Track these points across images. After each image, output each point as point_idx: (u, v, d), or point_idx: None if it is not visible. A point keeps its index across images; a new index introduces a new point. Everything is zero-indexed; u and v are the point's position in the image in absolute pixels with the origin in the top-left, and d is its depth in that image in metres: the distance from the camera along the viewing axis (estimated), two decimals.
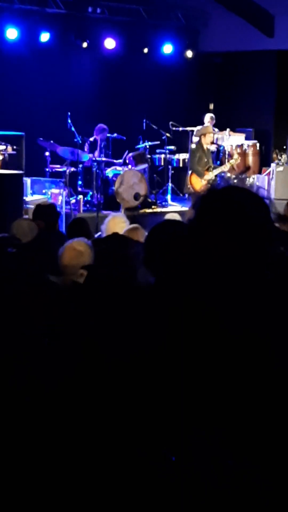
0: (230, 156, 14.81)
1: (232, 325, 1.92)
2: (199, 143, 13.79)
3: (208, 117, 15.74)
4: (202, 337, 1.92)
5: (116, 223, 7.60)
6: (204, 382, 1.89)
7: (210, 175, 13.61)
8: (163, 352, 1.94)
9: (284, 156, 14.77)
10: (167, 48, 16.59)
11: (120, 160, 14.50)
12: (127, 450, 1.95)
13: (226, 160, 14.45)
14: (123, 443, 1.96)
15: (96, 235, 8.78)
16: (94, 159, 13.92)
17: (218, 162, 14.72)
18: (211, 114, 15.91)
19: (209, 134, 13.82)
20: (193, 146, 14.29)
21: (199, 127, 14.86)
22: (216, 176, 13.67)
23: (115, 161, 14.49)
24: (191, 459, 1.88)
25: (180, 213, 12.25)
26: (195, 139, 14.58)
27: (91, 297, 4.21)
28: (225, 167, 13.99)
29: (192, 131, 15.29)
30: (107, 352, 2.11)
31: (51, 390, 2.31)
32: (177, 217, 7.88)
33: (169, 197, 15.33)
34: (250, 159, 15.86)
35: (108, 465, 1.98)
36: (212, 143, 15.28)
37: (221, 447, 1.87)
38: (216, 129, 15.99)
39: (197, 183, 13.58)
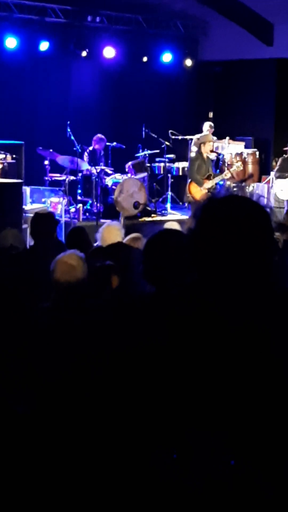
0: (230, 164, 14.79)
1: (234, 332, 1.93)
2: (198, 152, 13.78)
3: (207, 126, 15.74)
4: (204, 343, 1.92)
5: (111, 231, 7.58)
6: (206, 385, 1.90)
7: (210, 184, 13.59)
8: (164, 358, 1.94)
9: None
10: (167, 57, 16.61)
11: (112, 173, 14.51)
12: (127, 450, 1.95)
13: (226, 168, 14.43)
14: (123, 443, 1.96)
15: (95, 244, 8.76)
16: (95, 169, 13.91)
17: (218, 170, 14.70)
18: (210, 123, 15.92)
19: (209, 143, 13.81)
20: (193, 154, 14.28)
21: (198, 136, 14.86)
22: (216, 184, 13.66)
23: (108, 170, 14.50)
24: (192, 459, 1.88)
25: (180, 221, 12.26)
26: (193, 148, 14.58)
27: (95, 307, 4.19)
28: (226, 175, 13.98)
29: (192, 139, 15.29)
30: (106, 357, 2.13)
31: (50, 396, 2.31)
32: (176, 226, 7.85)
33: (168, 205, 15.32)
34: (250, 168, 15.86)
35: (108, 465, 1.98)
36: (212, 151, 15.28)
37: (222, 446, 1.88)
38: (215, 138, 16.00)
39: (196, 191, 13.56)
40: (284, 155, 14.75)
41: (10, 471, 2.22)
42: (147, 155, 15.09)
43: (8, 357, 2.73)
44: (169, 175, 15.63)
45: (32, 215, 8.66)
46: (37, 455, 2.16)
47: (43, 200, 13.55)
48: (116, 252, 6.75)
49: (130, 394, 1.98)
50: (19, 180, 12.78)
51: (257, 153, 16.07)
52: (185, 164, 15.38)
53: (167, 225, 7.51)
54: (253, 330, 1.94)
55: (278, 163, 14.49)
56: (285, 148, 14.97)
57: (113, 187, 13.94)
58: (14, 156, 13.35)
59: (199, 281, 1.95)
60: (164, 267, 2.97)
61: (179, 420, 1.90)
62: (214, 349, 1.91)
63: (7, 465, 2.25)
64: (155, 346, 1.98)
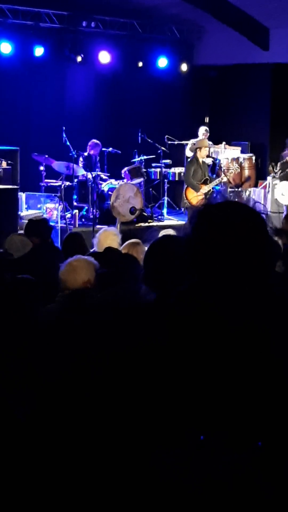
0: (226, 169, 14.78)
1: (234, 332, 1.94)
2: (194, 157, 13.78)
3: (202, 130, 15.75)
4: (204, 343, 1.93)
5: (107, 237, 7.57)
6: (206, 384, 1.91)
7: (207, 188, 13.58)
8: (164, 358, 1.95)
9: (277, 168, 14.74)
10: (162, 62, 16.60)
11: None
12: (128, 450, 1.95)
13: (223, 173, 14.42)
14: (124, 443, 1.96)
15: (92, 250, 8.72)
16: (91, 175, 13.88)
17: (214, 175, 14.69)
18: (205, 127, 15.91)
19: (204, 148, 13.80)
20: (188, 159, 14.28)
21: (193, 141, 14.85)
22: (212, 188, 13.64)
23: (103, 175, 14.47)
24: (192, 459, 1.88)
25: (176, 227, 12.22)
26: (188, 152, 14.57)
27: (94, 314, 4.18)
28: (222, 179, 13.97)
29: (187, 144, 15.28)
30: (107, 357, 2.13)
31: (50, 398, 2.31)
32: (171, 232, 7.83)
33: (165, 211, 15.29)
34: (247, 173, 15.85)
35: (109, 465, 1.98)
36: (208, 156, 15.27)
37: (222, 446, 1.88)
38: (211, 142, 15.99)
39: (193, 197, 13.55)
40: (282, 160, 14.73)
41: (10, 470, 2.23)
42: (143, 160, 15.06)
43: (8, 357, 2.72)
44: (166, 180, 15.62)
45: (26, 221, 8.66)
46: (37, 455, 2.17)
47: (38, 206, 13.54)
48: (109, 257, 6.72)
49: (131, 394, 1.98)
50: (15, 186, 12.77)
51: (254, 158, 16.06)
52: (181, 169, 15.38)
53: (163, 232, 7.49)
54: (253, 330, 1.96)
55: (278, 168, 14.46)
56: (283, 153, 14.96)
57: (109, 192, 13.92)
58: (9, 162, 13.33)
59: (198, 283, 1.96)
60: (165, 273, 2.98)
61: (179, 420, 1.90)
62: (215, 349, 1.92)
63: (7, 465, 2.26)
64: (155, 347, 1.99)
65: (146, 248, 7.43)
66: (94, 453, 2.01)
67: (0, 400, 2.43)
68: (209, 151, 15.09)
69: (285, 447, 1.89)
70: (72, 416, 2.09)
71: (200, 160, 13.73)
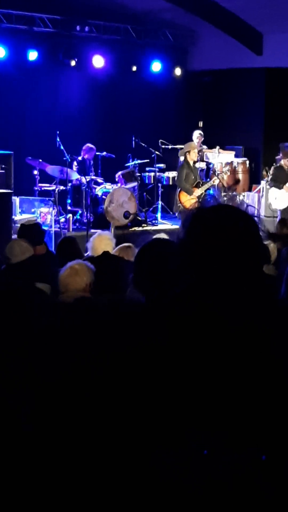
0: (220, 173, 14.81)
1: (234, 332, 1.95)
2: (185, 161, 13.81)
3: (196, 134, 15.78)
4: (204, 343, 1.94)
5: (102, 241, 7.57)
6: (206, 384, 1.91)
7: (199, 191, 13.60)
8: (164, 358, 1.96)
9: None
10: (156, 66, 16.62)
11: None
12: (128, 450, 1.96)
13: (216, 176, 14.46)
14: (124, 443, 1.97)
15: (85, 254, 8.72)
16: (85, 179, 13.88)
17: (208, 179, 14.71)
18: (199, 131, 15.93)
19: (193, 150, 13.82)
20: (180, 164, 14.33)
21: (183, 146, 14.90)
22: (205, 191, 13.66)
23: (97, 180, 14.48)
24: (192, 459, 1.88)
25: (170, 231, 12.23)
26: (181, 158, 14.59)
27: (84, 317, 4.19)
28: (214, 181, 14.00)
29: (182, 149, 15.31)
30: (106, 357, 2.14)
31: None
32: (165, 237, 7.84)
33: (159, 215, 15.30)
34: (240, 177, 15.87)
35: (109, 465, 1.98)
36: (202, 160, 15.29)
37: (222, 446, 1.88)
38: (205, 146, 16.01)
39: (186, 200, 13.58)
40: (275, 164, 14.74)
41: (10, 471, 2.24)
42: (137, 164, 15.07)
43: (9, 357, 2.74)
44: (159, 184, 15.63)
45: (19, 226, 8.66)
46: (37, 455, 2.17)
47: (32, 210, 13.51)
48: (103, 262, 6.72)
49: (131, 394, 1.98)
50: (9, 190, 12.75)
51: (247, 162, 16.08)
52: (175, 173, 15.39)
53: (155, 236, 7.50)
54: (252, 330, 1.97)
55: (271, 172, 14.47)
56: (277, 157, 14.97)
57: (103, 197, 13.91)
58: (3, 166, 13.32)
59: (195, 284, 1.97)
60: (156, 276, 2.99)
61: (179, 420, 1.90)
62: (215, 348, 1.93)
63: (7, 465, 2.27)
64: (155, 347, 1.99)
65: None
66: (94, 453, 2.01)
67: (0, 400, 2.44)
68: (203, 155, 15.12)
69: (285, 447, 1.90)
70: (72, 416, 2.09)
71: (191, 163, 13.75)
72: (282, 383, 1.93)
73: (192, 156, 13.75)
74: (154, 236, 7.84)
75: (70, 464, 2.05)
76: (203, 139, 15.86)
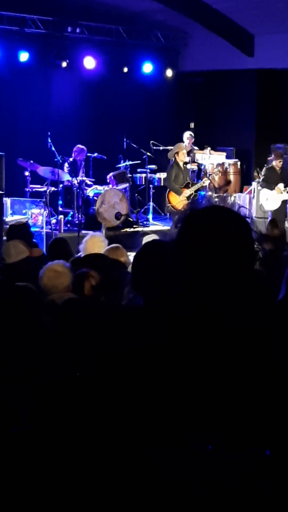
0: (211, 175, 14.82)
1: (234, 335, 1.96)
2: (174, 162, 13.82)
3: (187, 135, 15.81)
4: (205, 342, 1.95)
5: (95, 243, 7.57)
6: (206, 384, 1.92)
7: (189, 192, 13.60)
8: (165, 358, 1.97)
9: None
10: (147, 68, 16.62)
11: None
12: (128, 450, 1.96)
13: (206, 177, 14.47)
14: (124, 443, 1.97)
15: (77, 255, 8.71)
16: (76, 180, 13.86)
17: (200, 181, 14.73)
18: (190, 132, 15.94)
19: (182, 151, 13.83)
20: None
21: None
22: (196, 192, 13.67)
23: (88, 181, 14.47)
24: (192, 459, 1.88)
25: (162, 232, 12.23)
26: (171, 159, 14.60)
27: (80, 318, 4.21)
28: (205, 182, 14.01)
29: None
30: (106, 357, 2.15)
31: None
32: (155, 237, 7.84)
33: (150, 216, 15.31)
34: (231, 178, 15.89)
35: (108, 465, 1.98)
36: (193, 162, 15.30)
37: (222, 446, 1.89)
38: (196, 148, 16.02)
39: (176, 201, 13.58)
40: (266, 165, 14.77)
41: (10, 471, 2.24)
42: (128, 165, 15.07)
43: (9, 358, 2.74)
44: (151, 185, 15.63)
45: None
46: (37, 455, 2.17)
47: (24, 211, 13.50)
48: (94, 262, 6.72)
49: (131, 394, 1.98)
50: (0, 192, 12.71)
51: (239, 163, 16.10)
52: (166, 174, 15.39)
53: (146, 238, 7.49)
54: (252, 330, 1.98)
55: (262, 173, 14.50)
56: (269, 158, 14.99)
57: (95, 198, 13.91)
58: None
59: (193, 284, 1.97)
60: (155, 277, 3.01)
61: (179, 420, 1.90)
62: (215, 348, 1.94)
63: (7, 466, 2.27)
64: (155, 347, 1.99)
65: (127, 252, 7.46)
66: (94, 453, 2.01)
67: (0, 400, 2.43)
68: (194, 156, 15.13)
69: (285, 446, 1.90)
70: (72, 416, 2.09)
71: (181, 164, 13.76)
72: (282, 382, 1.93)
73: (181, 157, 13.76)
74: (145, 238, 7.85)
75: (70, 464, 2.05)
76: (193, 140, 15.86)
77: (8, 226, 11.26)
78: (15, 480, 2.21)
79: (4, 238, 10.73)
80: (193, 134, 15.91)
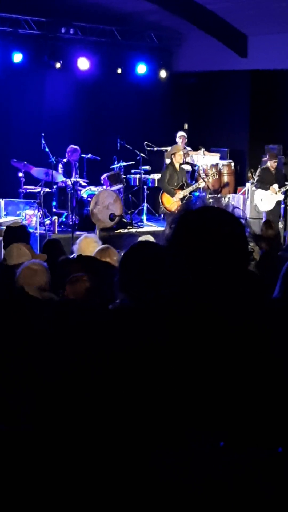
0: (205, 175, 14.83)
1: (234, 334, 1.96)
2: (170, 163, 13.83)
3: (179, 135, 15.78)
4: (205, 342, 1.95)
5: (88, 244, 7.57)
6: (206, 384, 1.92)
7: (183, 194, 13.60)
8: (165, 358, 1.97)
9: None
10: (141, 69, 16.62)
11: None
12: (128, 450, 1.96)
13: (201, 179, 14.47)
14: (124, 443, 1.97)
15: (71, 256, 8.71)
16: (70, 181, 13.85)
17: (194, 181, 14.74)
18: (182, 133, 15.93)
19: (178, 153, 13.84)
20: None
21: (169, 148, 14.90)
22: (191, 193, 13.67)
23: (82, 182, 14.47)
24: (192, 459, 1.88)
25: (156, 233, 12.23)
26: (167, 160, 14.61)
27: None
28: (200, 184, 14.02)
29: (167, 150, 15.32)
30: (106, 357, 2.15)
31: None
32: (151, 239, 7.84)
33: (144, 217, 15.30)
34: (226, 179, 15.90)
35: (108, 465, 1.98)
36: (187, 163, 15.30)
37: (222, 446, 1.89)
38: (189, 148, 16.02)
39: (169, 202, 13.58)
40: (260, 166, 14.79)
41: (10, 471, 2.24)
42: (122, 166, 15.07)
43: (9, 358, 2.76)
44: (145, 186, 15.62)
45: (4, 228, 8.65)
46: (37, 456, 2.18)
47: (17, 212, 13.48)
48: (84, 263, 6.72)
49: (131, 394, 1.98)
50: None
51: (233, 164, 16.11)
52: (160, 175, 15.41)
53: (142, 238, 7.51)
54: (252, 329, 1.99)
55: (257, 174, 14.52)
56: (263, 159, 15.02)
57: (89, 199, 13.90)
58: None
59: (191, 284, 1.98)
60: (143, 279, 2.99)
61: (179, 420, 1.91)
62: (216, 348, 1.94)
63: (7, 466, 2.26)
64: (155, 347, 2.00)
65: (119, 253, 7.46)
66: (94, 453, 2.01)
67: (0, 400, 2.44)
68: (185, 157, 15.12)
69: (285, 446, 1.90)
70: (72, 416, 2.10)
71: (177, 165, 13.76)
72: (282, 381, 1.94)
73: (178, 159, 13.76)
74: (140, 238, 7.86)
75: (70, 464, 2.05)
76: (186, 140, 15.86)
77: (3, 227, 11.26)
78: (15, 480, 2.21)
79: (0, 238, 10.73)
80: (185, 135, 15.91)
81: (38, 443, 2.16)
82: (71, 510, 2.04)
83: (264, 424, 1.91)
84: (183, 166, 14.36)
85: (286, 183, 14.38)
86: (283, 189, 14.26)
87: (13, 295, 3.86)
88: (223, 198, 14.82)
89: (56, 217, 13.84)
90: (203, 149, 15.77)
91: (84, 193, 14.10)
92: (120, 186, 14.71)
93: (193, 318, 1.96)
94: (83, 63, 15.57)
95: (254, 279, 5.22)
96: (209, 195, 14.65)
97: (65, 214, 14.02)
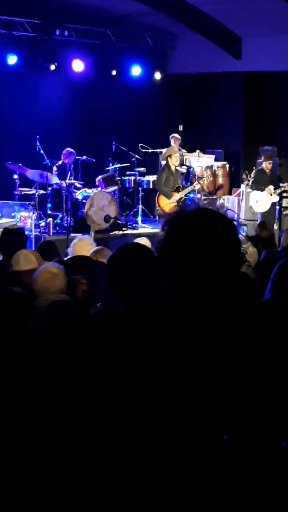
0: (200, 177, 14.84)
1: (234, 334, 1.97)
2: (166, 165, 13.83)
3: (174, 137, 15.78)
4: (205, 342, 1.96)
5: (83, 246, 7.56)
6: (206, 384, 1.92)
7: (179, 196, 13.62)
8: (164, 358, 1.97)
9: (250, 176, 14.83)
10: (136, 70, 16.62)
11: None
12: (128, 450, 1.96)
13: (197, 180, 14.48)
14: (124, 443, 1.97)
15: (65, 258, 8.70)
16: (65, 183, 13.84)
17: (188, 183, 14.74)
18: (176, 135, 15.95)
19: (175, 155, 13.85)
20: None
21: (164, 150, 14.91)
22: (185, 196, 13.68)
23: (77, 184, 14.46)
24: (192, 459, 1.89)
25: (151, 235, 12.23)
26: (163, 162, 14.62)
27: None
28: (195, 186, 14.03)
29: (162, 152, 15.33)
30: (106, 357, 2.15)
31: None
32: (145, 241, 7.83)
33: (139, 219, 15.30)
34: (220, 180, 15.91)
35: (109, 465, 1.98)
36: (182, 164, 15.31)
37: (221, 446, 1.90)
38: (184, 150, 16.03)
39: (165, 204, 13.59)
40: (255, 167, 14.81)
41: (10, 471, 2.25)
42: (117, 168, 15.08)
43: (9, 358, 2.76)
44: (140, 188, 15.62)
45: (1, 230, 8.62)
46: (37, 456, 2.18)
47: (12, 214, 13.45)
48: (78, 264, 6.72)
49: (131, 394, 1.99)
50: None
51: (227, 166, 16.12)
52: (155, 177, 15.41)
53: (137, 241, 7.50)
54: (252, 329, 2.00)
55: (252, 175, 14.54)
56: (258, 160, 15.03)
57: (83, 201, 13.89)
58: None
59: (189, 285, 1.98)
60: (127, 280, 2.99)
61: (179, 420, 1.91)
62: (216, 348, 1.95)
63: (7, 466, 2.28)
64: (154, 347, 2.00)
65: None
66: (94, 453, 2.01)
67: (0, 400, 2.45)
68: (183, 159, 15.13)
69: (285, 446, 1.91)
70: (72, 416, 2.10)
71: (172, 167, 13.77)
72: (281, 381, 1.95)
73: (174, 161, 13.78)
74: (138, 239, 7.86)
75: (70, 464, 2.05)
76: (180, 141, 15.87)
77: (1, 229, 11.25)
78: (15, 480, 2.21)
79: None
80: (179, 137, 15.92)
81: (38, 443, 2.17)
82: (71, 510, 2.04)
83: (263, 422, 1.92)
84: (178, 168, 14.37)
85: (281, 184, 14.40)
86: (278, 191, 14.28)
87: (13, 297, 3.84)
88: (217, 200, 14.83)
89: (51, 219, 13.82)
90: (198, 151, 15.79)
91: (79, 195, 14.09)
92: (115, 188, 14.71)
93: (193, 318, 1.96)
94: (77, 65, 15.57)
95: (247, 280, 5.23)
96: (204, 197, 14.66)
97: (60, 216, 14.02)
